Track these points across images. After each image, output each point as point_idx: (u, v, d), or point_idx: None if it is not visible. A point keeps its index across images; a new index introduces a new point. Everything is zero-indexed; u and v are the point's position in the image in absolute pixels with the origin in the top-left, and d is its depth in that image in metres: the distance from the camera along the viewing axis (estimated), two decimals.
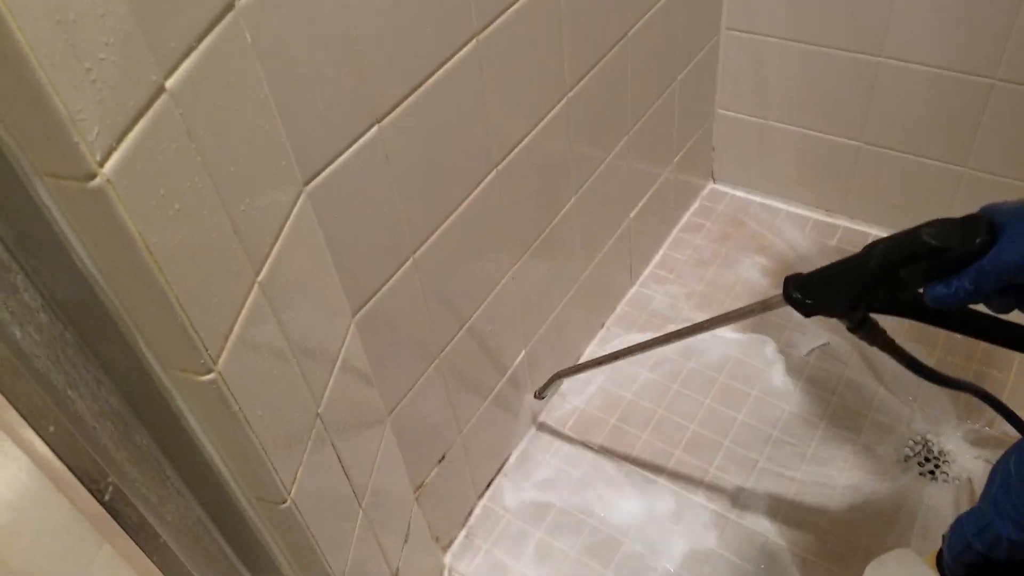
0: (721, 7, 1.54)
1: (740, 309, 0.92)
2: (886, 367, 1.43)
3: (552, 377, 1.34)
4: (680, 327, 1.05)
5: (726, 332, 1.53)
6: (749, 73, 1.61)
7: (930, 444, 1.32)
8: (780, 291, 0.83)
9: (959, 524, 0.72)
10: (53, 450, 0.43)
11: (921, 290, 0.69)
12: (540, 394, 1.38)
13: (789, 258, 1.65)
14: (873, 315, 0.81)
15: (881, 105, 1.49)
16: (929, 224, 0.67)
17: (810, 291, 0.80)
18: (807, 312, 0.81)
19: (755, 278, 1.63)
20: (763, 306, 0.88)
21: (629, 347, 1.13)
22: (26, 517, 0.96)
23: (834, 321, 0.82)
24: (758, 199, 1.80)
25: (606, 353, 1.20)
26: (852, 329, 0.82)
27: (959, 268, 0.64)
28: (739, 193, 1.82)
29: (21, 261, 0.50)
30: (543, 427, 1.43)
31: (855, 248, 1.58)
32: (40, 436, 0.42)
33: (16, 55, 0.41)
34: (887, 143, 1.55)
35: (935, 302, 0.67)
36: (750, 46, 1.57)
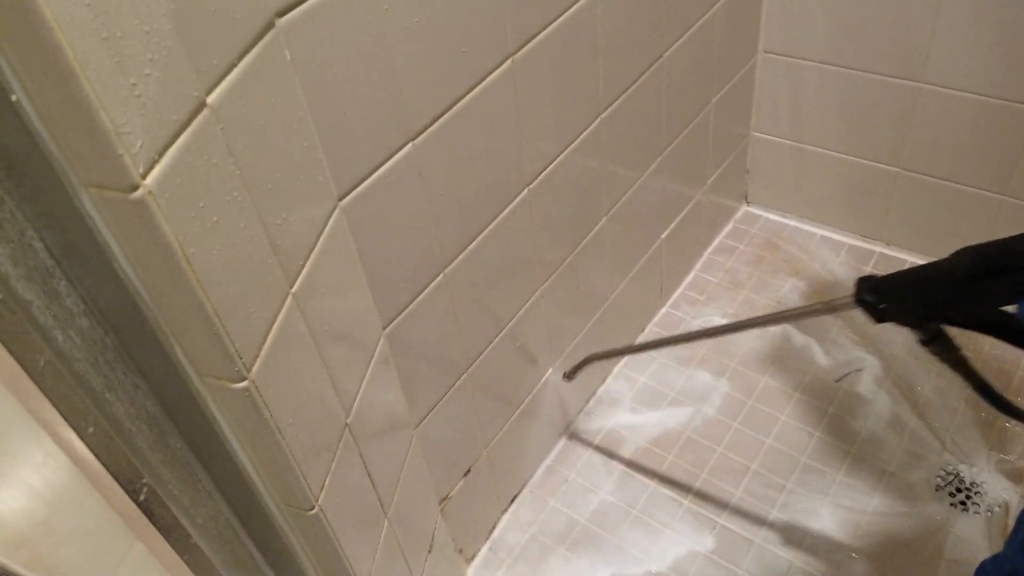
0: (759, 30, 1.54)
1: (802, 307, 0.87)
2: (919, 395, 1.41)
3: (584, 359, 1.30)
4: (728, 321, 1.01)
5: (759, 352, 1.52)
6: (786, 96, 1.61)
7: (962, 475, 1.29)
8: (849, 293, 0.77)
9: (983, 569, 0.70)
10: (92, 450, 0.45)
11: (1013, 307, 0.66)
12: (570, 376, 1.34)
13: (823, 282, 1.64)
14: (948, 328, 0.75)
15: (920, 131, 1.48)
16: None
17: (886, 295, 0.74)
18: (879, 317, 0.76)
19: (789, 301, 1.62)
20: (828, 306, 0.82)
21: (668, 337, 1.09)
22: (61, 515, 0.98)
23: (869, 345, 0.79)
24: (792, 222, 1.79)
25: (643, 342, 1.15)
26: (924, 342, 0.77)
27: None
28: (773, 216, 1.81)
29: (65, 268, 0.52)
30: (571, 441, 1.44)
31: None
32: (80, 436, 0.44)
33: (66, 70, 0.43)
34: (926, 169, 1.53)
35: None
36: (787, 69, 1.57)
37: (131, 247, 0.52)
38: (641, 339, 1.59)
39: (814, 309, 0.85)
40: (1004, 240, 0.63)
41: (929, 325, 0.75)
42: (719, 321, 1.60)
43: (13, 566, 1.24)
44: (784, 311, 0.92)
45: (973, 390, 0.79)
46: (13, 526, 1.22)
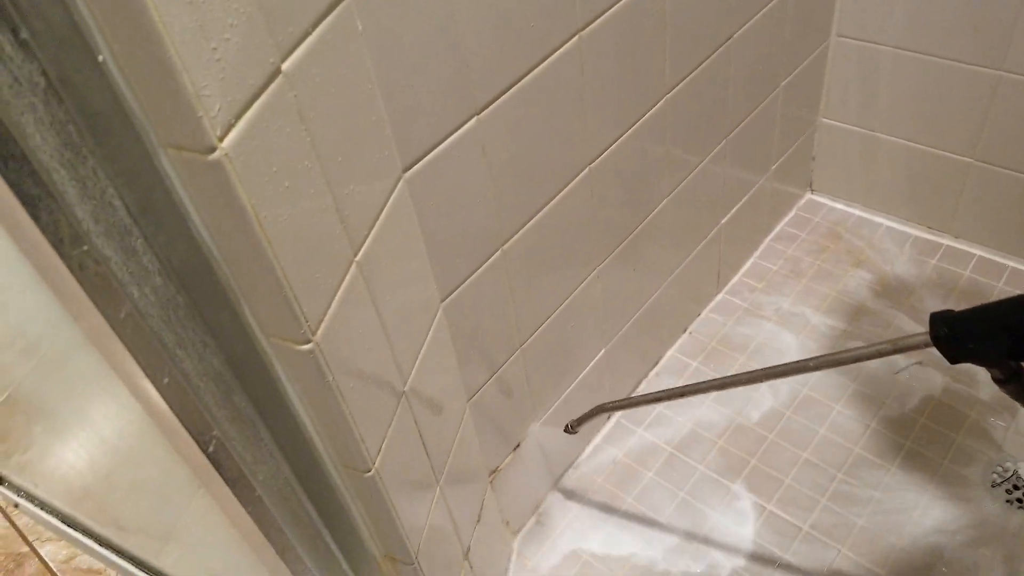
0: (833, 12, 1.50)
1: (865, 348, 0.77)
2: (979, 390, 1.37)
3: (592, 410, 1.18)
4: (763, 367, 0.90)
5: (810, 337, 1.50)
6: (857, 82, 1.57)
7: (1020, 472, 1.26)
8: (924, 329, 0.71)
9: None
10: (167, 401, 0.47)
11: None
12: (574, 427, 1.23)
13: (886, 275, 1.60)
14: None
15: (998, 121, 1.43)
16: None
17: (964, 332, 0.68)
18: (955, 356, 0.70)
19: (850, 293, 1.59)
20: (896, 346, 0.74)
21: (689, 386, 0.97)
22: (126, 468, 1.03)
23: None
24: (857, 212, 1.75)
25: (659, 391, 1.03)
26: (1001, 381, 0.71)
27: None
28: (838, 205, 1.77)
29: (142, 226, 0.54)
30: (621, 421, 1.44)
31: (957, 269, 1.51)
32: (156, 387, 0.46)
33: (151, 32, 0.44)
34: (1001, 161, 1.48)
35: None
36: (861, 54, 1.53)
37: (206, 208, 0.53)
38: (693, 326, 1.58)
39: (878, 351, 0.76)
40: None
41: (1007, 364, 0.70)
42: (774, 313, 1.58)
43: (78, 516, 1.30)
44: (842, 352, 0.80)
45: None
46: (80, 478, 1.28)
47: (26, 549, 1.44)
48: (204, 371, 0.61)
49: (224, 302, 0.61)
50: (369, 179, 0.68)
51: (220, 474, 0.52)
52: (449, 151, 0.80)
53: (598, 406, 1.17)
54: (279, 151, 0.55)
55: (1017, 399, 0.73)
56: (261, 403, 0.69)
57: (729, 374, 0.95)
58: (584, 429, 1.25)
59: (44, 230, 0.38)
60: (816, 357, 0.83)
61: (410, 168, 0.76)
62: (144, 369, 0.45)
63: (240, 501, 0.55)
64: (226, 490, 0.53)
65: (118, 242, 0.52)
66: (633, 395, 1.13)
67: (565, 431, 1.25)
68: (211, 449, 0.51)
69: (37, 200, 0.38)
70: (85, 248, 0.40)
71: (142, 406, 0.49)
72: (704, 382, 0.94)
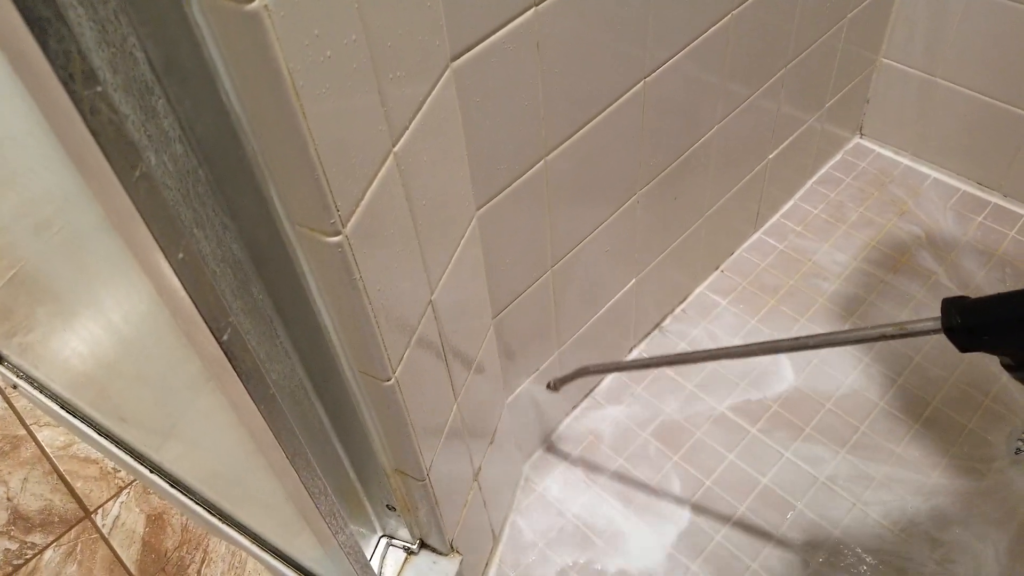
0: None
1: (870, 329, 0.74)
2: None
3: (577, 370, 1.15)
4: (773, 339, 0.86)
5: (845, 296, 1.44)
6: (925, 22, 1.47)
7: None
8: (937, 315, 0.68)
9: None
10: (179, 278, 0.42)
11: None
12: (556, 385, 1.19)
13: (929, 228, 1.53)
14: None
15: None
16: None
17: (979, 320, 0.66)
18: (966, 345, 0.67)
19: (888, 244, 1.52)
20: (904, 331, 0.71)
21: (676, 355, 0.94)
22: (133, 356, 0.98)
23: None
24: (906, 161, 1.66)
25: (651, 356, 0.99)
26: (1012, 367, 0.68)
27: None
28: (886, 152, 1.69)
29: (165, 86, 0.48)
30: (635, 364, 1.40)
31: (1002, 228, 1.44)
32: (169, 262, 0.41)
33: None
34: None
35: None
36: None
37: (238, 69, 0.47)
38: (726, 264, 1.52)
39: (883, 333, 0.73)
40: None
41: (1020, 355, 0.67)
42: (808, 259, 1.52)
43: (78, 402, 1.27)
44: (848, 331, 0.78)
45: None
46: (83, 363, 1.24)
47: (23, 432, 1.42)
48: (222, 256, 0.56)
49: (250, 181, 0.55)
50: (416, 63, 0.61)
51: (233, 366, 0.47)
52: (501, 43, 0.73)
53: (582, 367, 1.13)
54: (324, 13, 0.48)
55: None
56: (280, 297, 0.64)
57: (741, 336, 0.90)
58: (619, 347, 1.21)
59: (53, 61, 0.32)
60: (816, 335, 0.80)
61: (459, 57, 0.70)
62: (157, 240, 0.40)
63: (252, 398, 0.50)
64: (238, 384, 0.49)
65: (137, 100, 0.46)
66: (621, 360, 1.07)
67: (547, 388, 1.20)
68: (225, 337, 0.46)
69: (46, 24, 0.32)
70: (98, 90, 0.35)
71: (153, 284, 0.44)
72: (697, 352, 0.89)
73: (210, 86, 0.49)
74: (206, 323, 0.45)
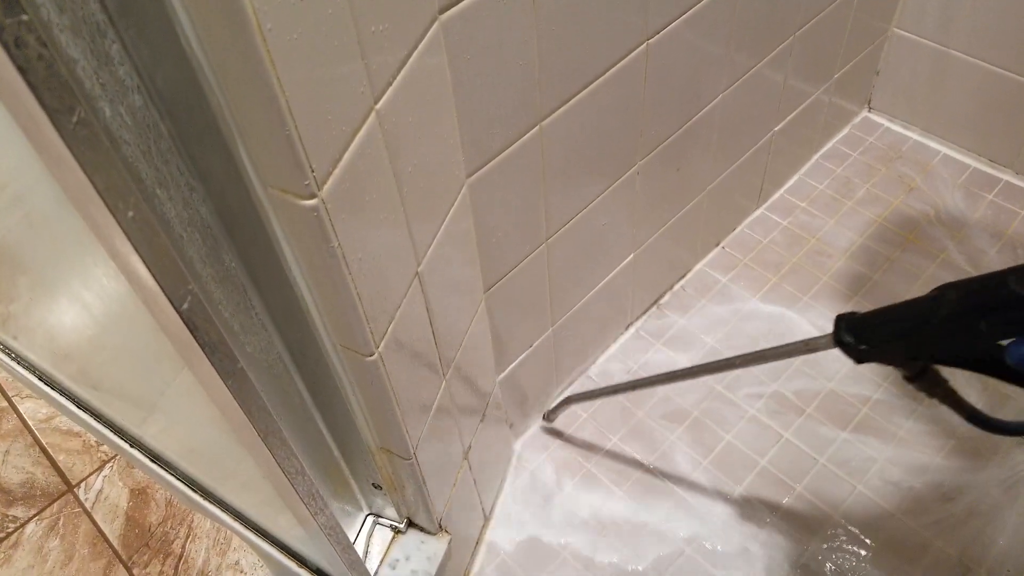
0: None
1: (779, 348, 0.80)
2: None
3: (563, 401, 1.19)
4: (713, 359, 0.91)
5: (853, 274, 1.40)
6: None
7: None
8: (830, 330, 0.72)
9: None
10: (130, 240, 0.38)
11: (1003, 343, 0.59)
12: (549, 417, 1.25)
13: (938, 206, 1.49)
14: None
15: None
16: (1020, 270, 0.56)
17: (866, 335, 0.69)
18: (859, 358, 0.70)
19: (895, 221, 1.48)
20: (807, 347, 0.76)
21: (647, 378, 1.00)
22: (111, 331, 0.95)
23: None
24: (915, 136, 1.62)
25: (625, 382, 1.05)
26: (909, 379, 0.71)
27: None
28: (895, 127, 1.64)
29: (120, 29, 0.44)
30: (639, 334, 1.36)
31: (1013, 207, 1.42)
32: (117, 220, 0.37)
33: None
34: None
35: (1017, 363, 0.56)
36: None
37: (197, 9, 0.43)
38: (727, 240, 1.48)
39: (791, 349, 0.79)
40: (987, 276, 0.58)
41: (913, 364, 0.69)
42: (823, 228, 1.47)
43: (58, 375, 1.23)
44: (761, 351, 0.82)
45: (965, 419, 0.73)
46: (65, 336, 1.20)
47: (4, 404, 1.39)
48: (190, 219, 0.51)
49: (217, 138, 0.51)
50: (400, 12, 0.57)
51: (195, 338, 0.43)
52: None
53: (567, 398, 1.18)
54: None
55: (928, 395, 0.72)
56: (255, 266, 0.60)
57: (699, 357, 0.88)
58: (614, 324, 1.17)
59: None
60: (732, 358, 0.86)
61: (448, 9, 0.65)
62: (102, 196, 0.36)
63: (218, 372, 0.47)
64: (202, 357, 0.45)
65: (88, 43, 0.42)
66: (597, 388, 1.14)
67: (544, 419, 1.26)
68: (185, 306, 0.42)
69: None
70: (23, 18, 0.30)
71: (104, 248, 0.40)
72: (654, 376, 0.96)
73: (169, 30, 0.45)
74: (163, 291, 0.41)
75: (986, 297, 0.58)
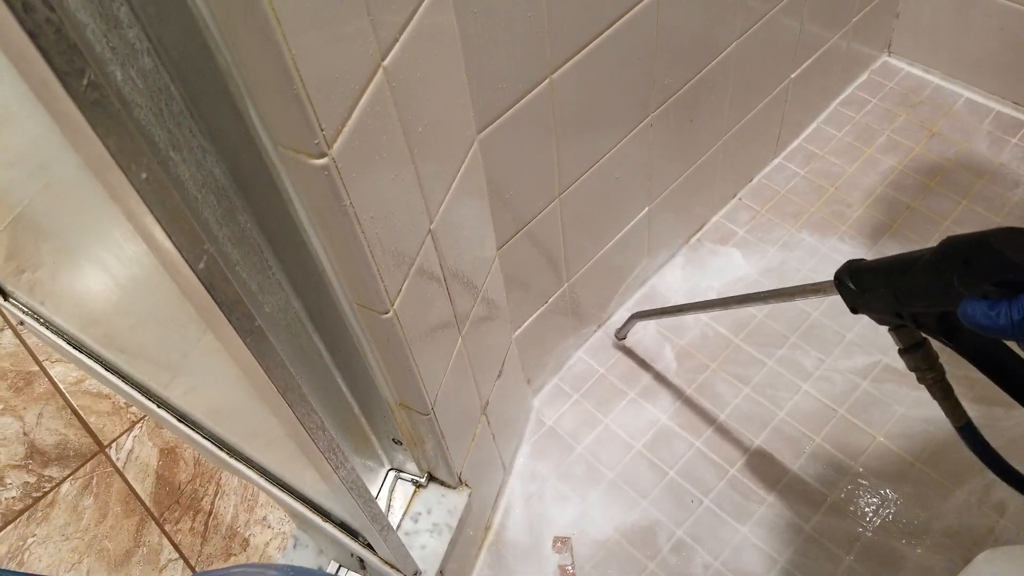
0: None
1: (790, 288, 0.83)
2: None
3: (630, 317, 1.23)
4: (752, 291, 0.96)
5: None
6: None
7: None
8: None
9: None
10: (145, 201, 0.38)
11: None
12: (620, 334, 1.29)
13: (961, 151, 1.46)
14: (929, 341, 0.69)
15: None
16: (1009, 231, 0.53)
17: (861, 279, 0.69)
18: (853, 304, 0.71)
19: (917, 169, 1.45)
20: (811, 289, 0.78)
21: (712, 300, 1.03)
22: (136, 294, 0.96)
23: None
24: (936, 80, 1.59)
25: (691, 302, 1.09)
26: (903, 351, 0.71)
27: (1019, 292, 0.51)
28: (916, 71, 1.61)
29: None
30: (655, 291, 1.36)
31: None
32: (131, 182, 0.37)
33: None
34: None
35: (967, 320, 0.54)
36: None
37: None
38: (744, 192, 1.47)
39: (796, 291, 0.82)
40: (978, 232, 0.54)
41: (901, 326, 0.69)
42: (842, 175, 1.46)
43: (88, 341, 1.25)
44: (762, 292, 0.89)
45: (954, 428, 0.72)
46: (92, 300, 1.22)
47: (36, 368, 1.42)
48: (204, 181, 0.52)
49: (227, 99, 0.51)
50: None
51: (213, 297, 0.44)
52: None
53: (634, 314, 1.22)
54: None
55: (918, 375, 0.72)
56: (270, 226, 0.61)
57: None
58: (630, 281, 1.18)
59: None
60: (737, 296, 0.94)
61: None
62: (115, 158, 0.36)
63: (237, 331, 0.48)
64: (220, 317, 0.46)
65: (96, 7, 0.42)
66: (669, 305, 1.22)
67: (616, 337, 1.30)
68: (201, 266, 0.43)
69: None
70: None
71: (120, 209, 0.40)
72: (736, 296, 0.97)
73: None
74: (179, 251, 0.42)
75: (966, 252, 0.55)
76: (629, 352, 1.29)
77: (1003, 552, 0.72)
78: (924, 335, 0.69)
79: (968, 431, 0.71)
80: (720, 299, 0.99)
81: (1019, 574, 0.69)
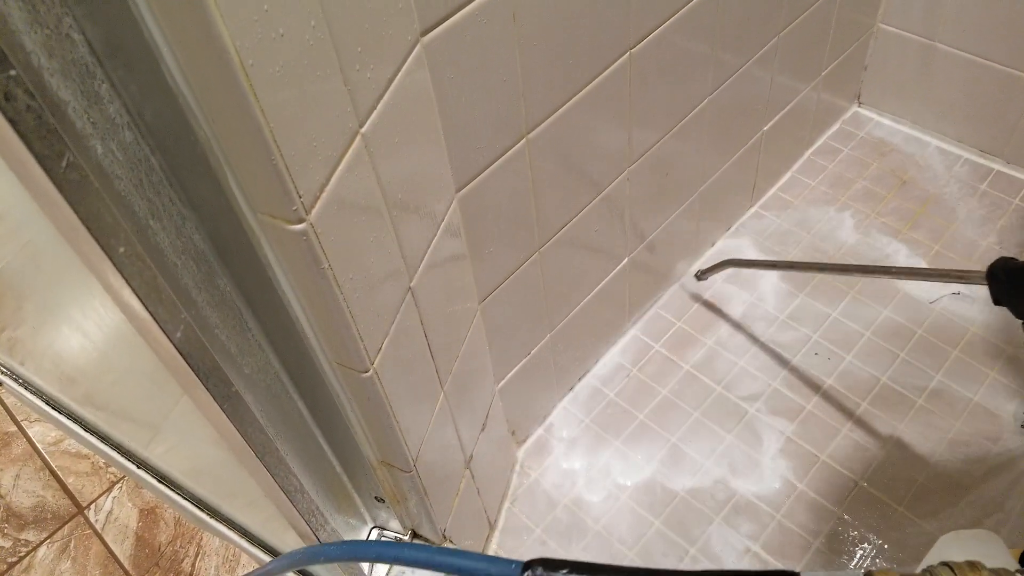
0: None
1: (937, 269, 0.96)
2: (1016, 330, 1.29)
3: (722, 262, 1.33)
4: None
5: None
6: None
7: None
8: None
9: None
10: (122, 275, 0.39)
11: None
12: (702, 275, 1.39)
13: (931, 197, 1.49)
14: None
15: None
16: None
17: (1015, 276, 0.76)
18: (997, 297, 0.78)
19: (889, 215, 1.48)
20: (960, 275, 0.86)
21: (807, 263, 1.16)
22: (113, 356, 0.96)
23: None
24: (906, 129, 1.63)
25: (784, 260, 1.23)
26: None
27: None
28: (885, 120, 1.65)
29: (108, 69, 0.45)
30: (638, 335, 1.37)
31: (1006, 196, 1.43)
32: (109, 257, 0.38)
33: None
34: None
35: None
36: None
37: (182, 48, 0.44)
38: (721, 241, 1.49)
39: (943, 273, 0.91)
40: None
41: None
42: (817, 223, 1.48)
43: (67, 401, 1.24)
44: (913, 268, 1.01)
45: None
46: (72, 359, 1.22)
47: (14, 428, 1.40)
48: (183, 248, 0.53)
49: (206, 168, 0.52)
50: (381, 38, 0.58)
51: (190, 365, 0.45)
52: (476, 14, 0.70)
53: (725, 260, 1.34)
54: None
55: None
56: (249, 289, 0.61)
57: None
58: (612, 327, 1.18)
59: None
60: (881, 266, 1.08)
61: (429, 31, 0.66)
62: (94, 235, 0.37)
63: (213, 397, 0.48)
64: (197, 383, 0.46)
65: (78, 85, 0.43)
66: (761, 259, 1.39)
67: (696, 278, 1.41)
68: (179, 335, 0.43)
69: None
70: (12, 74, 0.32)
71: (99, 282, 0.41)
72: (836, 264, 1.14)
73: (154, 68, 0.46)
74: (156, 322, 0.42)
75: None
76: (612, 403, 1.29)
77: (967, 535, 0.74)
78: None
79: None
80: (841, 264, 1.08)
81: (981, 551, 0.70)
